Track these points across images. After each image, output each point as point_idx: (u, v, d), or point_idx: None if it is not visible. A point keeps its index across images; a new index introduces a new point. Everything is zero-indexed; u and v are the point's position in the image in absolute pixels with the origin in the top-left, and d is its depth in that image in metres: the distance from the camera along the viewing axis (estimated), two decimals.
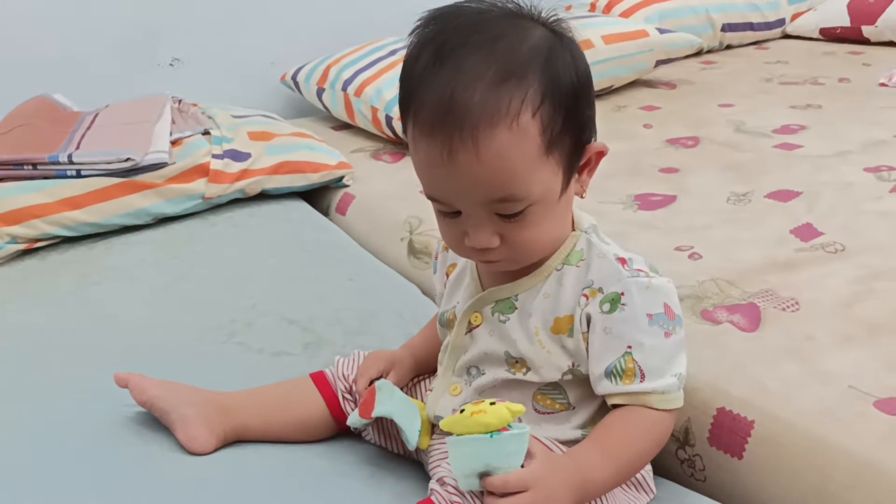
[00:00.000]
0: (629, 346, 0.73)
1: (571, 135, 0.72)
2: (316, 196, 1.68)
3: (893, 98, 1.85)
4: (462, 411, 0.69)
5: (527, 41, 0.70)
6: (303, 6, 2.14)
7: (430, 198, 0.73)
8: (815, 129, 1.70)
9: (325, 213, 1.64)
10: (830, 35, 2.43)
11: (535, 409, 0.80)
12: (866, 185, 1.40)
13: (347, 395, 0.93)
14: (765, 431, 0.86)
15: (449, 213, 0.73)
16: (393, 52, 1.94)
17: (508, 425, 0.68)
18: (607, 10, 2.36)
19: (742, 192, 1.42)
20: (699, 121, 1.80)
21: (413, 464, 0.91)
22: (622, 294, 0.74)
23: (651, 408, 0.74)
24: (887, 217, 1.28)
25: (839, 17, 2.41)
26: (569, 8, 2.42)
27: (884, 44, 2.32)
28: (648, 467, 0.85)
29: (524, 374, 0.79)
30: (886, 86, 1.95)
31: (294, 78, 2.04)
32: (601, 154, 0.77)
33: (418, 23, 0.74)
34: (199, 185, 1.52)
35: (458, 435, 0.69)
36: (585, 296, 0.75)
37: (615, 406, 0.75)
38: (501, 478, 0.67)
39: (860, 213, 1.30)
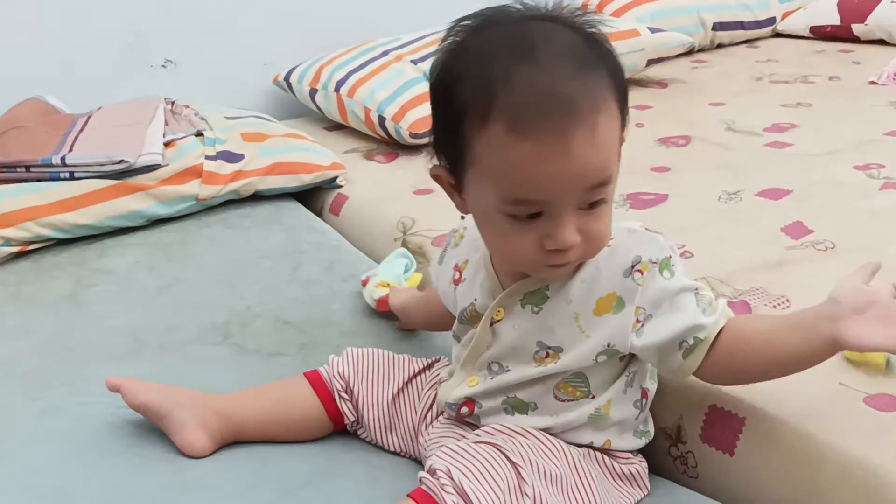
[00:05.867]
0: (695, 288, 0.78)
1: (625, 122, 0.75)
2: (309, 197, 1.68)
3: (883, 96, 1.87)
4: None
5: (581, 36, 0.72)
6: (295, 7, 2.14)
7: (516, 201, 0.71)
8: (806, 128, 1.71)
9: (319, 213, 1.65)
10: (821, 33, 2.44)
11: (556, 397, 0.82)
12: (856, 184, 1.41)
13: (344, 395, 0.93)
14: (756, 428, 0.86)
15: (527, 218, 0.72)
16: (385, 53, 1.94)
17: None
18: (599, 9, 2.37)
19: (733, 190, 1.43)
20: (690, 120, 1.81)
21: (409, 462, 0.92)
22: (670, 257, 0.78)
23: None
24: (877, 215, 1.29)
25: (829, 16, 2.43)
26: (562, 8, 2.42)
27: (874, 42, 2.34)
28: (644, 463, 0.86)
29: (555, 363, 0.80)
30: (877, 84, 1.97)
31: (287, 79, 2.04)
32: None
33: (465, 26, 0.74)
34: (193, 187, 1.52)
35: None
36: (640, 271, 0.77)
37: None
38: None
39: (850, 212, 1.31)
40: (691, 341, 0.77)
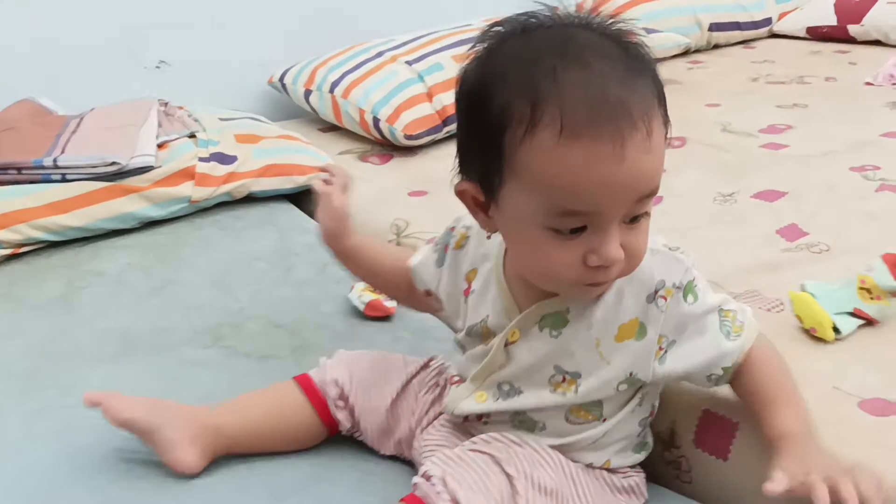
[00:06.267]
0: (718, 306, 0.77)
1: (668, 132, 0.72)
2: (304, 198, 1.68)
3: (879, 97, 1.86)
4: None
5: (620, 44, 0.69)
6: (290, 8, 2.13)
7: (564, 212, 0.67)
8: (802, 129, 1.70)
9: (312, 215, 1.63)
10: (817, 34, 2.43)
11: (567, 420, 0.80)
12: (852, 185, 1.41)
13: (339, 403, 0.91)
14: (749, 433, 0.86)
15: (570, 232, 0.68)
16: (380, 54, 1.94)
17: None
18: (594, 10, 2.36)
19: (728, 192, 1.42)
20: (686, 121, 1.80)
21: (402, 467, 0.91)
22: (693, 279, 0.76)
23: (754, 336, 0.78)
24: (872, 217, 1.28)
25: (826, 16, 2.42)
26: (556, 9, 2.41)
27: (870, 43, 2.33)
28: (642, 474, 0.85)
29: (574, 392, 0.77)
30: (872, 85, 1.96)
31: (281, 80, 2.04)
32: None
33: (498, 33, 0.71)
34: (186, 189, 1.51)
35: None
36: (664, 297, 0.75)
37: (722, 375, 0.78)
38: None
39: (845, 214, 1.30)
40: (719, 372, 0.78)
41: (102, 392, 0.89)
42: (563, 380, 0.78)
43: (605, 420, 0.80)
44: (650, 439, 0.87)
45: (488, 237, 0.83)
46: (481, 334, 0.82)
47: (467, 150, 0.74)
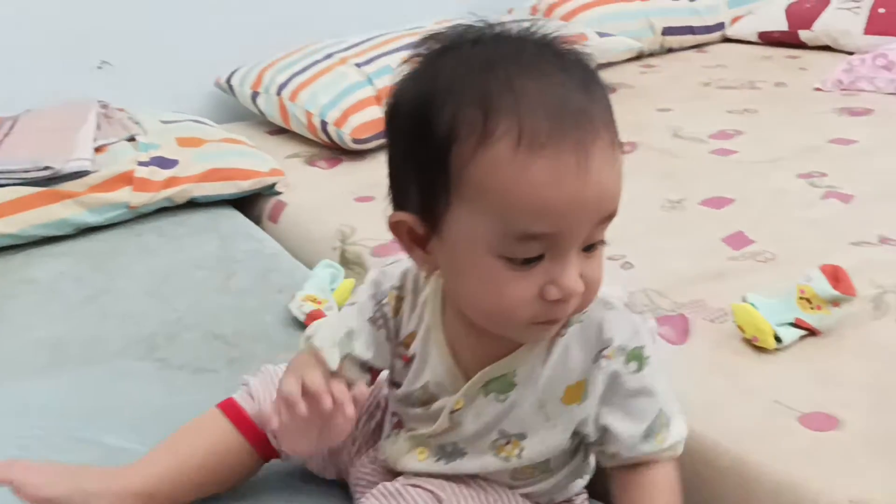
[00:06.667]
0: (660, 400, 0.70)
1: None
2: (248, 204, 1.64)
3: (828, 103, 1.87)
4: None
5: (572, 53, 0.64)
6: (238, 8, 2.09)
7: (523, 236, 0.60)
8: (751, 135, 1.71)
9: (258, 221, 1.60)
10: (769, 39, 2.45)
11: (512, 478, 0.75)
12: (798, 192, 1.41)
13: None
14: (687, 448, 0.83)
15: (524, 262, 0.61)
16: (329, 56, 1.90)
17: None
18: (548, 13, 2.35)
19: (676, 199, 1.41)
20: (637, 126, 1.80)
21: (342, 494, 0.87)
22: (643, 347, 0.69)
23: (673, 457, 0.71)
24: (817, 224, 1.28)
25: (777, 22, 2.44)
26: (510, 11, 2.40)
27: (820, 48, 2.35)
28: (585, 494, 0.82)
29: (517, 457, 0.72)
30: (822, 90, 1.98)
31: (228, 81, 1.99)
32: None
33: (433, 46, 0.64)
34: (124, 194, 1.47)
35: None
36: (607, 356, 0.68)
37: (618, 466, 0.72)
38: None
39: (791, 221, 1.30)
40: (611, 453, 0.72)
41: (10, 463, 0.77)
42: (508, 443, 0.73)
43: (552, 472, 0.76)
44: (592, 460, 0.82)
45: (425, 279, 0.74)
46: (421, 400, 0.75)
47: (403, 177, 0.66)
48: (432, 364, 0.73)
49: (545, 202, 0.59)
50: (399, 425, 0.80)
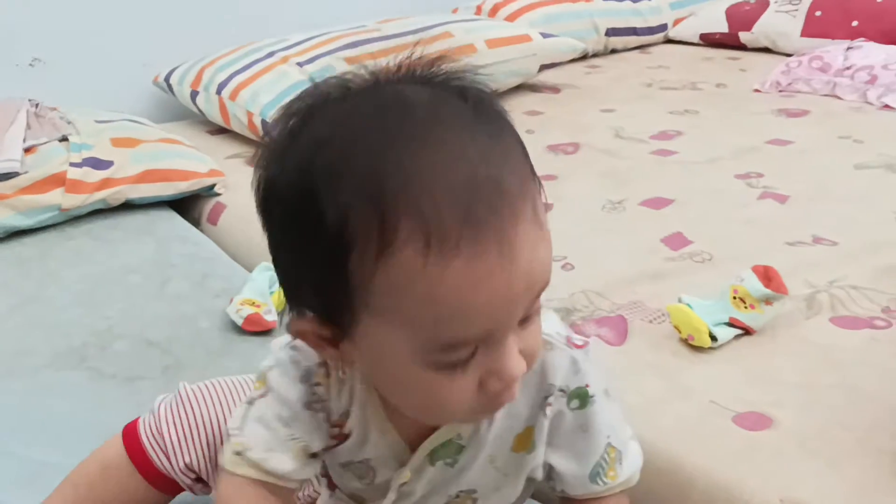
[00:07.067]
0: (608, 436, 0.66)
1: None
2: (187, 205, 1.60)
3: (767, 104, 1.90)
4: None
5: (463, 101, 0.54)
6: (177, 3, 2.04)
7: (447, 346, 0.52)
8: (691, 135, 1.72)
9: (197, 223, 1.57)
10: (710, 40, 2.48)
11: None
12: (735, 192, 1.43)
13: (189, 473, 0.78)
14: None
15: (460, 363, 0.54)
16: (271, 54, 1.87)
17: None
18: (493, 13, 2.35)
19: (617, 199, 1.42)
20: (580, 126, 1.81)
21: None
22: (587, 385, 0.64)
23: (625, 490, 0.68)
24: (753, 224, 1.30)
25: (718, 23, 2.47)
26: (455, 11, 2.40)
27: (759, 50, 2.39)
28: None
29: None
30: (761, 92, 2.01)
31: (167, 79, 1.95)
32: None
33: (302, 111, 0.54)
34: (56, 196, 1.43)
35: None
36: (550, 403, 0.64)
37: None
38: None
39: (728, 221, 1.32)
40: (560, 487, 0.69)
41: None
42: (458, 496, 0.69)
43: None
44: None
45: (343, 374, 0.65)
46: (360, 474, 0.69)
47: (294, 272, 0.56)
48: (373, 441, 0.66)
49: (469, 307, 0.50)
50: (333, 486, 0.74)
